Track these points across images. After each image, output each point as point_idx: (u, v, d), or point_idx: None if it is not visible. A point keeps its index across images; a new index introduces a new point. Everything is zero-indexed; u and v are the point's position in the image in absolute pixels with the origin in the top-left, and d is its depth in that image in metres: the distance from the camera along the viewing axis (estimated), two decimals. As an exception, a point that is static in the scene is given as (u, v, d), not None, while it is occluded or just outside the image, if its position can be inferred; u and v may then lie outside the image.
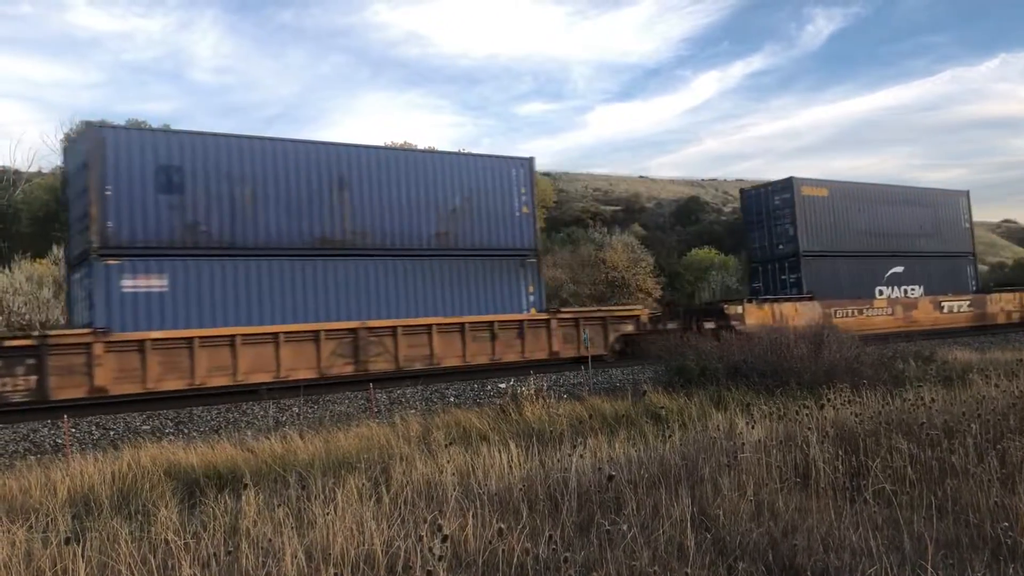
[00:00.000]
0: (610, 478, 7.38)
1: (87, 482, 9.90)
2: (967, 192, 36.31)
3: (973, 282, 35.22)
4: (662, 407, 14.44)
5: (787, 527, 6.48)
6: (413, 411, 16.09)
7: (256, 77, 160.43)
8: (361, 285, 20.57)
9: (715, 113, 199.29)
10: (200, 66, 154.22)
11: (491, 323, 21.71)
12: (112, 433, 14.99)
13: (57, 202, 47.01)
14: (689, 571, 5.43)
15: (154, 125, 52.97)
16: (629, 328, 23.92)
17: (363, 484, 7.78)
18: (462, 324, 21.31)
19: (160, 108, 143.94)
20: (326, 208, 20.46)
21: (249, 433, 13.95)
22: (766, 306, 26.99)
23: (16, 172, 48.82)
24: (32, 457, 13.07)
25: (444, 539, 5.50)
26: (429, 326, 20.81)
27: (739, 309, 26.23)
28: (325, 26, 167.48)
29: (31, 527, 6.90)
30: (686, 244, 59.77)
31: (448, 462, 8.77)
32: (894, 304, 30.94)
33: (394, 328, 20.37)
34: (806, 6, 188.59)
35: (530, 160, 23.98)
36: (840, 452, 8.32)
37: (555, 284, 46.65)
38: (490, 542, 5.82)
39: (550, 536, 5.86)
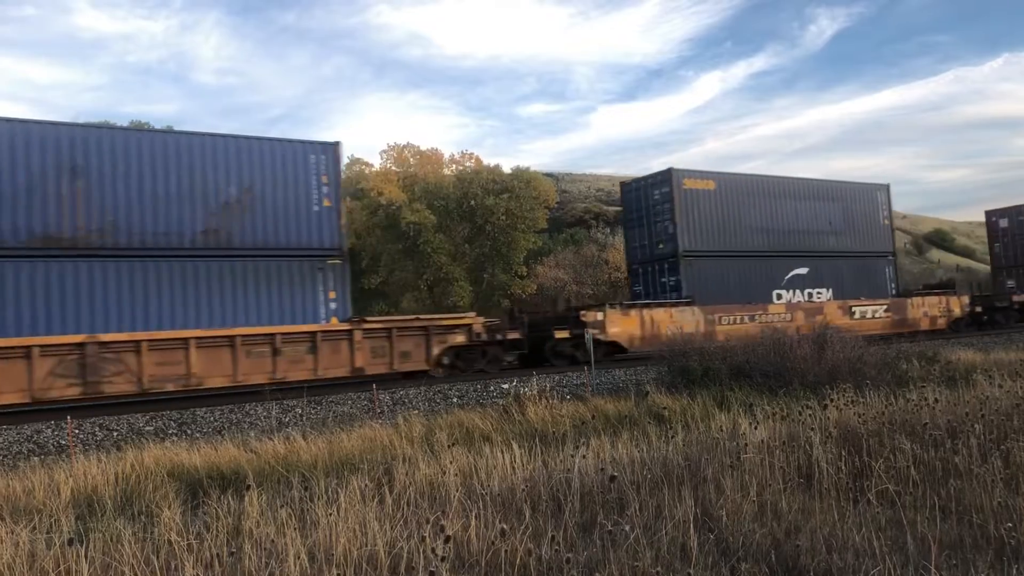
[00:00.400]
0: (612, 479, 7.38)
1: (90, 483, 9.92)
2: (887, 185, 33.38)
3: (893, 284, 32.26)
4: (665, 408, 14.44)
5: (790, 528, 6.47)
6: (416, 412, 16.10)
7: (259, 78, 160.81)
8: (97, 292, 17.55)
9: (718, 113, 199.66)
10: (203, 68, 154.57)
11: (272, 335, 18.14)
12: (115, 434, 15.00)
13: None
14: (692, 572, 5.42)
15: (157, 127, 53.10)
16: (459, 339, 20.58)
17: (366, 485, 7.78)
18: (232, 337, 17.72)
19: (164, 109, 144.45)
20: (52, 200, 17.38)
21: (252, 434, 13.96)
22: (633, 312, 23.95)
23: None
24: (36, 458, 13.09)
25: (447, 540, 5.50)
26: (185, 340, 17.25)
27: (599, 316, 23.25)
28: (327, 27, 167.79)
29: (35, 528, 6.92)
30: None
31: (451, 463, 8.77)
32: (794, 309, 27.55)
33: (137, 342, 16.77)
34: (809, 6, 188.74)
35: (335, 145, 20.87)
36: (843, 453, 8.31)
37: (558, 284, 46.74)
38: (493, 543, 5.82)
39: (553, 537, 5.86)
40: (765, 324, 25.47)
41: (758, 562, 5.73)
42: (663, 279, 27.29)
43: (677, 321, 24.50)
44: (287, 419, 16.07)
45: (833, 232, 30.57)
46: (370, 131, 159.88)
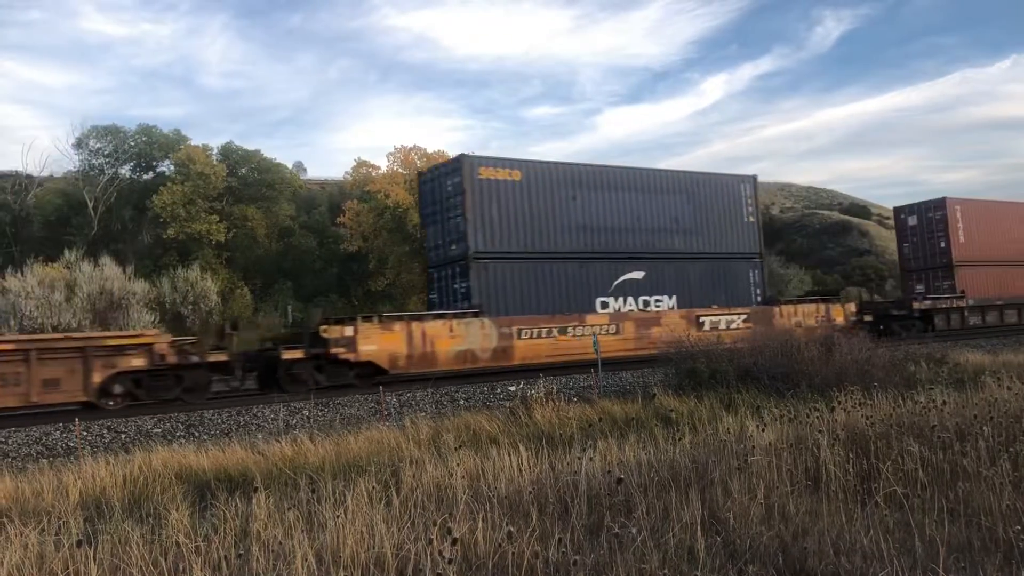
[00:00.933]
0: (619, 481, 7.37)
1: (99, 485, 9.95)
2: (753, 177, 28.84)
3: (758, 290, 27.96)
4: (672, 410, 14.40)
5: (798, 530, 6.46)
6: (423, 414, 16.11)
7: (265, 81, 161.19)
8: None
9: (724, 115, 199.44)
10: (210, 71, 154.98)
11: None
12: (123, 436, 15.05)
13: (69, 207, 47.37)
14: (699, 574, 5.42)
15: (165, 130, 53.39)
16: (137, 362, 16.87)
17: (373, 487, 7.79)
18: None
19: (171, 113, 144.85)
20: None
21: (260, 436, 14.00)
22: (398, 326, 20.24)
23: (28, 177, 49.25)
24: (44, 460, 13.13)
25: (454, 542, 5.51)
26: None
27: (347, 331, 19.49)
28: (333, 30, 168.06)
29: (43, 530, 6.94)
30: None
31: (458, 465, 8.77)
32: (621, 320, 23.72)
33: None
34: (815, 8, 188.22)
35: None
36: (851, 455, 8.29)
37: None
38: (500, 545, 5.82)
39: (560, 539, 5.86)
40: (580, 338, 22.47)
41: (765, 565, 5.72)
42: (455, 285, 23.12)
43: (460, 336, 21.03)
44: (294, 421, 16.11)
45: (681, 230, 26.27)
46: (376, 133, 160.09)
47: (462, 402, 18.06)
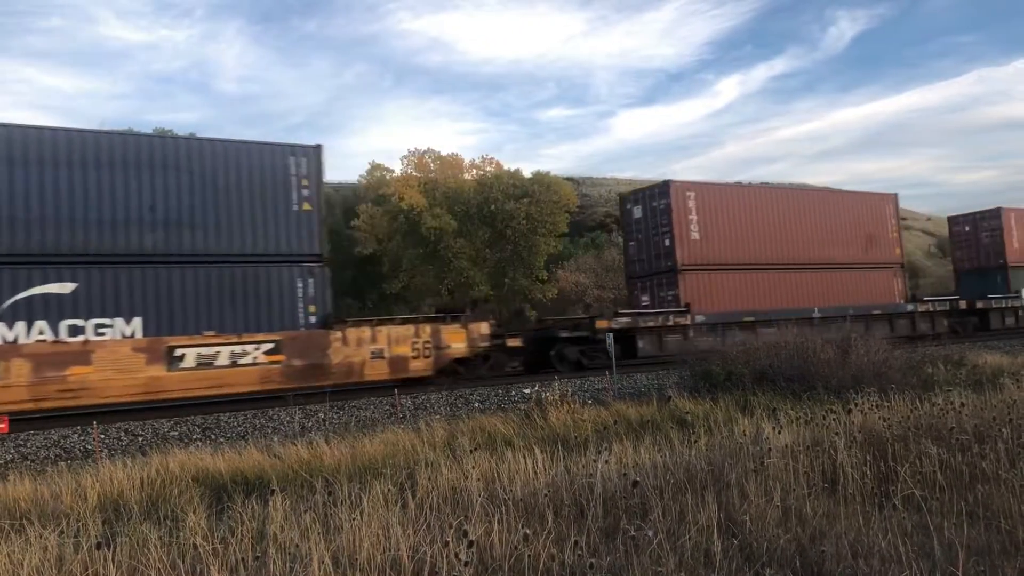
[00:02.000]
0: (635, 484, 7.35)
1: (117, 488, 10.03)
2: (316, 148, 20.13)
3: (312, 308, 19.23)
4: (687, 412, 14.37)
5: (815, 533, 6.42)
6: (438, 417, 16.14)
7: (281, 86, 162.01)
8: None
9: (738, 117, 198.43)
10: (225, 76, 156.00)
11: None
12: (141, 439, 15.16)
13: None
14: (716, 577, 5.40)
15: (181, 134, 53.71)
16: None
17: (389, 490, 7.80)
18: None
19: (187, 118, 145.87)
20: None
21: (276, 439, 14.07)
22: None
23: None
24: (63, 463, 13.25)
25: (470, 545, 5.51)
26: None
27: None
28: (349, 35, 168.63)
29: (62, 532, 7.00)
30: (710, 248, 59.40)
31: (473, 468, 8.78)
32: (4, 358, 15.80)
33: None
34: (829, 8, 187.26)
35: None
36: (868, 457, 8.24)
37: (579, 289, 46.69)
38: (516, 548, 5.82)
39: (575, 542, 5.86)
40: None
41: (782, 568, 5.69)
42: None
43: None
44: (310, 424, 16.17)
45: (163, 223, 17.99)
46: (392, 137, 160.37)
47: (476, 405, 18.07)
